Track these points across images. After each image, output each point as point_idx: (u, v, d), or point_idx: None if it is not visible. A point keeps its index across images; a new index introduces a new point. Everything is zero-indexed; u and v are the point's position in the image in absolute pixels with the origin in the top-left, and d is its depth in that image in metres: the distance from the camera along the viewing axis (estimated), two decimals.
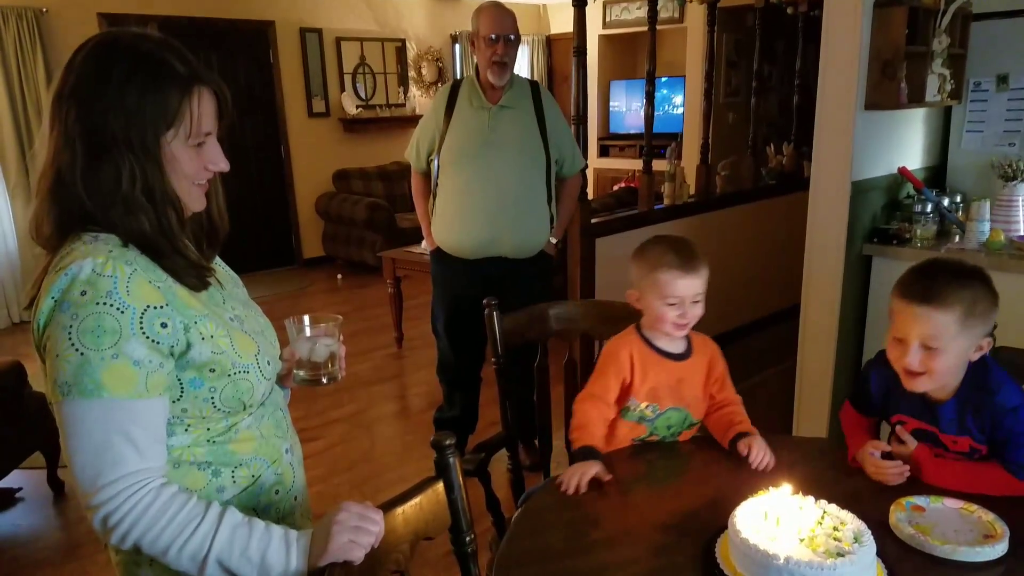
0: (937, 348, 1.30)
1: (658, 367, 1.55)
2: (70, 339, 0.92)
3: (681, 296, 1.49)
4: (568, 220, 2.99)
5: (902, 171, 2.87)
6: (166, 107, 0.98)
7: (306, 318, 1.19)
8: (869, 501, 1.25)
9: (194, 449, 1.05)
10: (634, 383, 1.54)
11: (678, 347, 1.58)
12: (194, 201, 1.07)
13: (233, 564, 0.96)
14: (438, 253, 2.88)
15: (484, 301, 1.87)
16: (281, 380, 1.23)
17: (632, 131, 7.98)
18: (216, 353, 1.02)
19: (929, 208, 2.73)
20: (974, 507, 1.25)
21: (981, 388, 1.34)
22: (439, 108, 2.78)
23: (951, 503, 1.27)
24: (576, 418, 1.53)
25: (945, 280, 1.31)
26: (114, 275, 0.94)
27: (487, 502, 1.77)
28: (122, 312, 0.93)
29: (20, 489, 3.08)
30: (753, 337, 4.60)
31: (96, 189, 0.97)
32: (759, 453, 1.44)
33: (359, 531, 0.99)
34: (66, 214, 0.99)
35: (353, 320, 5.20)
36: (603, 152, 8.27)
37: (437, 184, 2.81)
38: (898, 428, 1.41)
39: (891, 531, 1.20)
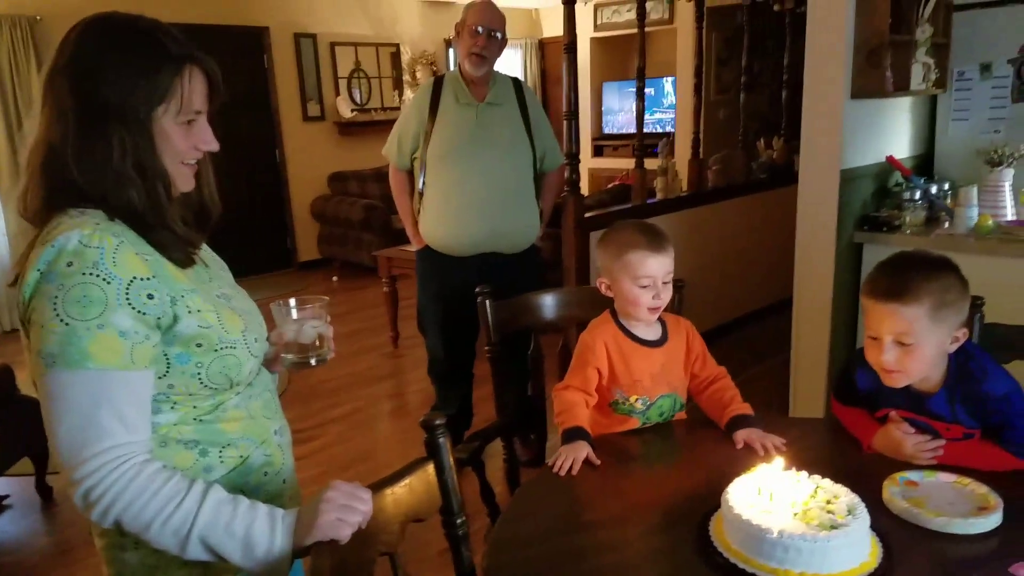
0: (911, 344, 1.28)
1: (639, 356, 1.52)
2: (55, 310, 0.91)
3: (653, 276, 1.47)
4: (550, 213, 2.99)
5: (890, 160, 2.88)
6: (158, 82, 0.98)
7: (292, 300, 1.18)
8: (863, 477, 1.24)
9: (181, 427, 1.04)
10: (616, 375, 1.52)
11: (654, 333, 1.56)
12: (182, 180, 1.07)
13: (216, 541, 0.95)
14: (426, 251, 2.85)
15: (477, 289, 1.87)
16: (270, 364, 1.23)
17: (625, 131, 7.99)
18: (203, 327, 1.02)
19: (918, 195, 2.75)
20: (968, 480, 1.24)
21: (967, 377, 1.33)
22: (423, 105, 2.75)
23: (944, 477, 1.26)
24: (558, 404, 1.51)
25: (911, 274, 1.30)
26: (101, 246, 0.94)
27: (481, 492, 1.74)
28: (108, 282, 0.93)
29: (7, 496, 3.05)
30: (748, 329, 4.60)
31: (87, 162, 0.97)
32: (758, 443, 1.42)
33: (347, 509, 0.98)
34: (55, 188, 0.98)
35: (349, 321, 5.19)
36: (597, 152, 8.28)
37: (424, 182, 2.79)
38: (892, 415, 1.40)
39: (885, 506, 1.20)
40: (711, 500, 1.18)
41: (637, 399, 1.53)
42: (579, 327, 2.04)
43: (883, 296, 1.31)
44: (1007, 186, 2.72)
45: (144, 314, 0.96)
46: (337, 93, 7.03)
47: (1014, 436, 1.30)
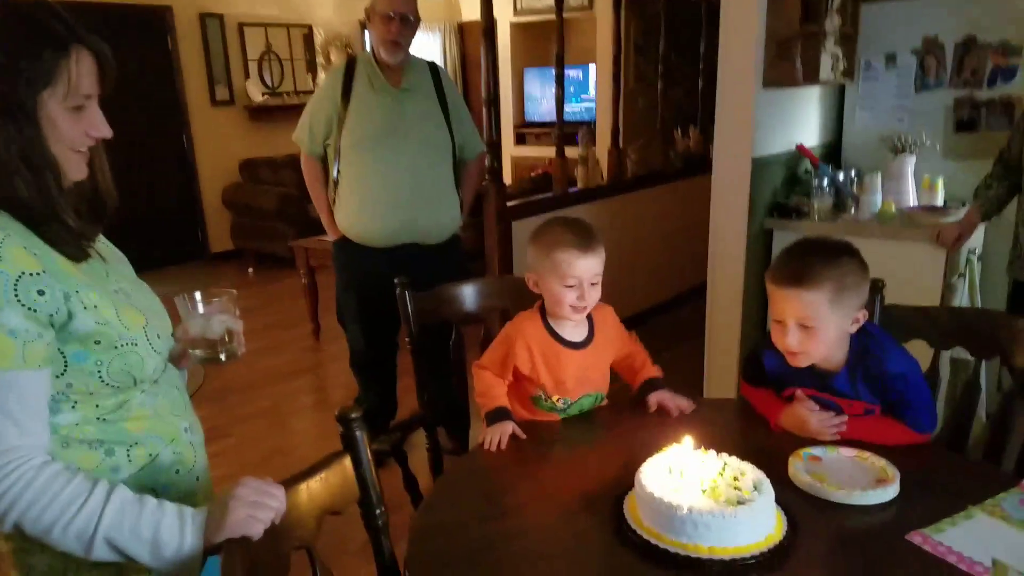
0: (813, 327, 1.34)
1: (564, 359, 1.53)
2: None
3: (579, 276, 1.46)
4: (471, 203, 2.96)
5: (800, 148, 2.99)
6: (42, 66, 0.94)
7: (197, 294, 1.15)
8: (769, 453, 1.29)
9: (83, 427, 1.01)
10: (539, 376, 1.53)
11: (581, 333, 1.56)
12: (73, 169, 1.02)
13: (123, 542, 0.94)
14: (344, 242, 2.77)
15: (396, 280, 1.84)
16: (177, 361, 1.19)
17: (547, 119, 8.02)
18: (100, 324, 0.98)
19: (825, 183, 2.86)
20: (867, 455, 1.31)
21: (868, 356, 1.40)
22: (334, 89, 2.64)
23: (846, 452, 1.33)
24: (478, 384, 1.54)
25: (811, 260, 1.36)
26: None
27: (404, 481, 1.72)
28: None
29: None
30: (667, 315, 4.72)
31: None
32: (670, 403, 1.51)
33: (258, 506, 0.98)
34: None
35: (266, 313, 5.06)
36: (520, 140, 8.28)
37: (339, 171, 2.70)
38: (798, 393, 1.46)
39: (790, 480, 1.25)
40: (627, 481, 1.20)
41: (559, 399, 1.55)
42: (502, 317, 2.04)
43: (785, 282, 1.36)
44: (909, 173, 2.86)
45: (35, 311, 0.92)
46: (247, 76, 6.78)
47: (911, 412, 1.38)
